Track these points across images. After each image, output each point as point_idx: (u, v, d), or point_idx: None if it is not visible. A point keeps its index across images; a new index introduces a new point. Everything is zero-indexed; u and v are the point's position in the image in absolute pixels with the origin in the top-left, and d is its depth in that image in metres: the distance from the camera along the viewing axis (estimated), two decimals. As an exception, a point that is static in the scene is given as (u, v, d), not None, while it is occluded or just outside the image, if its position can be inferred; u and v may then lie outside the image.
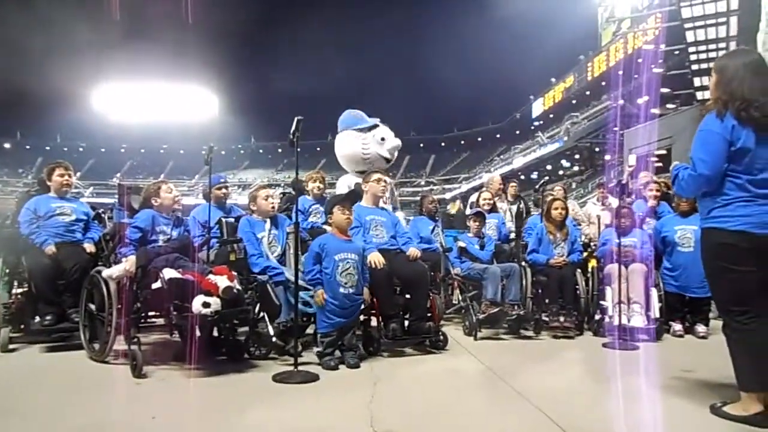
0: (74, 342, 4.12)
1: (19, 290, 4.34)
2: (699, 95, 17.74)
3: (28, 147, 62.51)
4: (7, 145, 63.02)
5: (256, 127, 66.13)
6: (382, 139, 6.22)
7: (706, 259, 2.78)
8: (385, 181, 4.70)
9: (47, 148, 61.04)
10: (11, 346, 4.16)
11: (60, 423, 2.60)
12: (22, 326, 4.25)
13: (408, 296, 4.33)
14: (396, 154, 6.35)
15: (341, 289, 3.82)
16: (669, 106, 23.83)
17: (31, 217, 4.40)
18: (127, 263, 3.68)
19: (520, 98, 56.23)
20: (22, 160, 60.22)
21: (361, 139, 6.21)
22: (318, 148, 56.08)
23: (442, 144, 65.40)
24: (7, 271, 4.38)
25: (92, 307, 3.91)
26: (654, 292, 4.82)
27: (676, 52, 22.72)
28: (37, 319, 4.17)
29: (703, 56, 16.79)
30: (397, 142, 6.34)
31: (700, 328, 4.87)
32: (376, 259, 4.11)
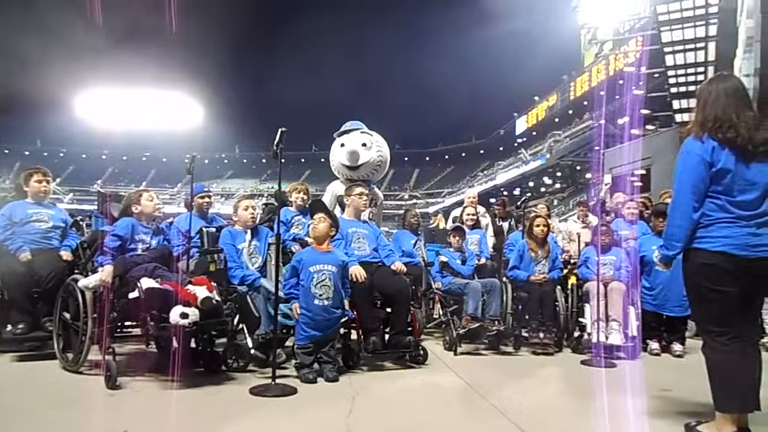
0: (47, 351, 4.02)
1: (-9, 298, 4.25)
2: (678, 117, 18.14)
3: (6, 151, 61.43)
4: (-16, 149, 61.92)
5: (240, 136, 65.95)
6: (342, 145, 5.98)
7: (687, 279, 2.81)
8: (367, 195, 4.69)
9: (26, 153, 60.08)
10: (-19, 355, 4.06)
11: (29, 435, 2.53)
12: (-6, 334, 4.15)
13: (389, 310, 4.32)
14: (360, 159, 5.83)
15: (316, 301, 3.79)
16: (649, 127, 24.28)
17: (6, 223, 4.32)
18: (103, 273, 3.61)
19: (504, 115, 56.97)
20: (0, 165, 59.19)
21: (334, 146, 6.12)
22: (302, 159, 56.11)
23: (427, 158, 65.80)
24: (-20, 278, 4.28)
25: (67, 316, 3.84)
26: (632, 311, 4.87)
27: (656, 75, 23.20)
28: (9, 327, 4.08)
29: (681, 80, 17.19)
30: (353, 147, 5.83)
31: (677, 347, 4.93)
32: (357, 272, 4.10)
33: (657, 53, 18.45)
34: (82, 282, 3.65)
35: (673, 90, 17.62)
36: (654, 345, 4.99)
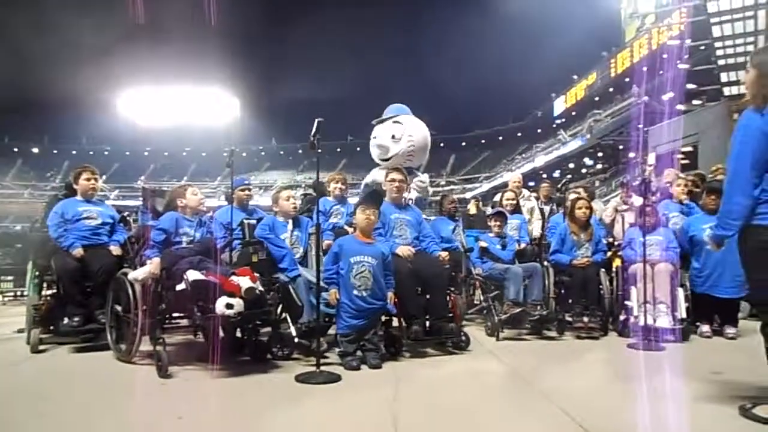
0: (101, 343, 4.20)
1: (49, 292, 4.45)
2: (726, 91, 17.36)
3: (55, 151, 63.86)
4: (35, 150, 64.53)
5: (276, 128, 66.62)
6: (374, 137, 6.01)
7: (747, 257, 2.69)
8: (403, 181, 4.64)
9: (73, 152, 62.25)
10: (41, 347, 4.26)
11: (88, 423, 2.65)
12: (52, 327, 4.36)
13: (428, 297, 4.32)
14: (390, 152, 5.84)
15: (354, 291, 3.82)
16: (695, 102, 23.37)
17: (59, 220, 4.50)
18: (152, 266, 3.75)
19: (541, 96, 55.60)
20: (50, 164, 61.54)
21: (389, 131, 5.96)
22: (338, 149, 56.29)
23: (463, 143, 64.98)
24: (37, 273, 4.49)
25: (118, 308, 3.99)
26: (680, 292, 4.73)
27: (702, 48, 22.26)
28: (66, 320, 4.28)
29: (730, 51, 16.44)
30: (381, 141, 5.88)
31: (729, 330, 4.77)
32: (406, 251, 4.16)
33: (702, 24, 17.71)
34: (132, 275, 3.78)
35: (721, 62, 16.87)
36: (705, 328, 4.84)
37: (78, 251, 4.36)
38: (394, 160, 5.79)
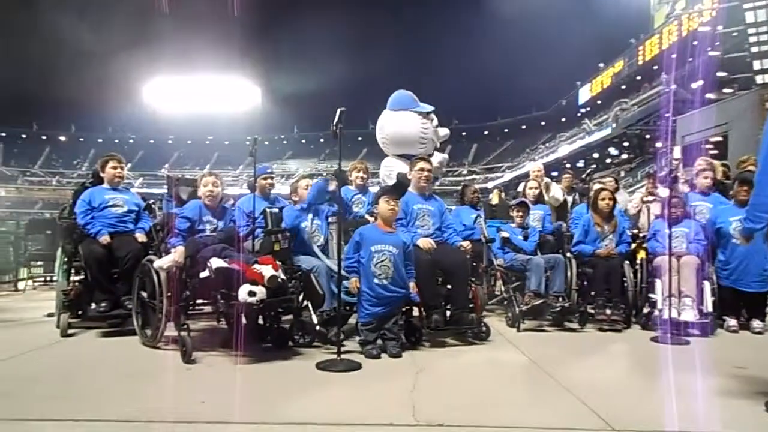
0: (128, 328, 4.30)
1: (77, 278, 4.56)
2: (759, 79, 16.90)
3: (81, 139, 65.14)
4: (63, 138, 65.90)
5: (298, 117, 66.84)
6: (437, 126, 6.22)
7: None
8: (429, 170, 4.64)
9: (99, 140, 63.47)
10: (70, 331, 4.38)
11: (114, 406, 2.71)
12: (80, 312, 4.47)
13: (449, 287, 4.31)
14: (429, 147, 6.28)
15: (375, 280, 3.84)
16: (725, 90, 22.75)
17: (87, 208, 4.60)
18: (176, 254, 3.80)
19: (566, 84, 54.72)
20: (77, 152, 62.89)
21: (421, 123, 6.08)
22: (359, 138, 56.17)
23: (485, 132, 64.41)
24: (66, 259, 4.60)
25: (144, 294, 4.07)
26: (707, 286, 4.64)
27: (734, 34, 21.62)
28: (94, 305, 4.39)
29: (764, 38, 15.97)
30: (447, 131, 6.47)
31: (756, 324, 4.67)
32: (426, 243, 4.17)
33: (735, 10, 17.21)
34: (157, 263, 3.85)
35: (754, 49, 16.44)
36: (731, 322, 4.74)
37: (105, 238, 4.46)
38: (427, 147, 5.91)
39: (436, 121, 6.21)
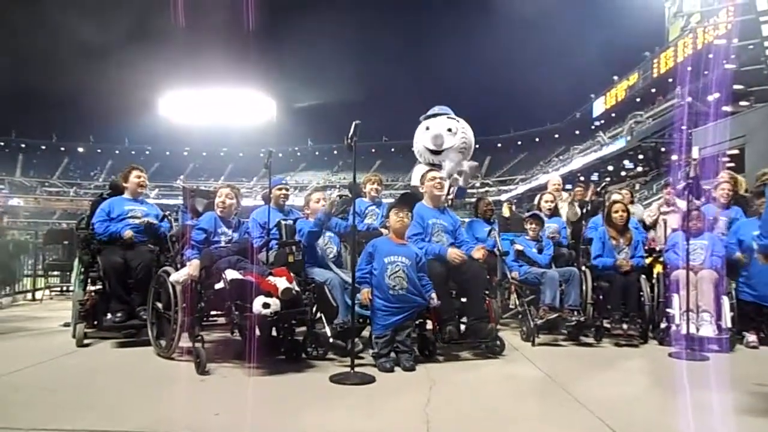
0: (143, 338, 4.32)
1: (93, 288, 4.60)
2: (775, 91, 16.71)
3: (99, 150, 66.15)
4: (81, 149, 66.96)
5: (312, 129, 67.27)
6: (427, 128, 5.98)
7: None
8: (442, 178, 4.62)
9: (116, 151, 64.42)
10: (86, 341, 4.41)
11: (129, 417, 2.72)
12: (96, 322, 4.50)
13: (464, 300, 4.28)
14: (444, 144, 5.85)
15: (391, 291, 3.85)
16: (742, 103, 22.53)
17: (104, 218, 4.65)
18: (191, 268, 3.83)
19: (580, 97, 54.55)
20: (94, 163, 63.87)
21: (419, 130, 6.08)
22: (373, 150, 56.46)
23: (498, 145, 64.25)
24: (83, 269, 4.64)
25: (159, 305, 4.10)
26: (725, 301, 4.57)
27: (751, 47, 21.46)
28: (109, 316, 4.43)
29: (780, 50, 15.81)
30: (438, 131, 5.83)
31: (777, 340, 4.58)
32: (455, 254, 4.16)
33: (751, 23, 17.07)
34: (173, 277, 3.87)
35: (770, 62, 16.25)
36: (752, 337, 4.66)
37: (128, 232, 4.50)
38: (445, 154, 5.78)
39: (429, 123, 5.99)
